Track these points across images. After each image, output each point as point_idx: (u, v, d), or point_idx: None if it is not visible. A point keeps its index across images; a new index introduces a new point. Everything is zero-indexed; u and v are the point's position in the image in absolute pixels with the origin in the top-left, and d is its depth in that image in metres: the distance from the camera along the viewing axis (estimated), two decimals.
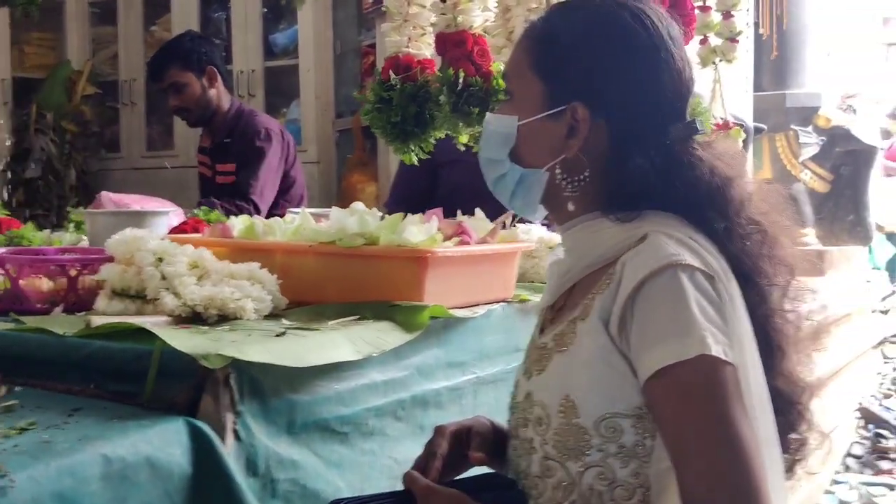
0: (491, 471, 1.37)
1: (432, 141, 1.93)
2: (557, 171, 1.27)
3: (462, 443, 1.35)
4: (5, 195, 5.79)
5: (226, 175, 3.82)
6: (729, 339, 1.13)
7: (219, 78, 3.77)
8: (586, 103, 1.24)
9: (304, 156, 4.30)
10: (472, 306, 1.88)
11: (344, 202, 5.01)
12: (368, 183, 5.00)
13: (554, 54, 1.27)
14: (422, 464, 1.33)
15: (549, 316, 1.32)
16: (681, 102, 1.29)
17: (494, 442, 1.36)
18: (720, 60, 2.71)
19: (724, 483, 1.08)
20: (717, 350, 1.11)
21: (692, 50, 2.68)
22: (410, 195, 3.28)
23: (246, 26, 5.60)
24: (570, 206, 1.28)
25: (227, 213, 3.32)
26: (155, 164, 5.93)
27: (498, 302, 1.96)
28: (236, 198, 3.55)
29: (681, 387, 1.12)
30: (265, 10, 5.66)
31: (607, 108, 1.25)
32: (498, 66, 1.88)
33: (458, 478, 1.34)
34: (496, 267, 1.96)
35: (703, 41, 2.69)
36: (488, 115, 1.37)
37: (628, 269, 1.17)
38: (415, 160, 1.97)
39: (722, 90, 2.69)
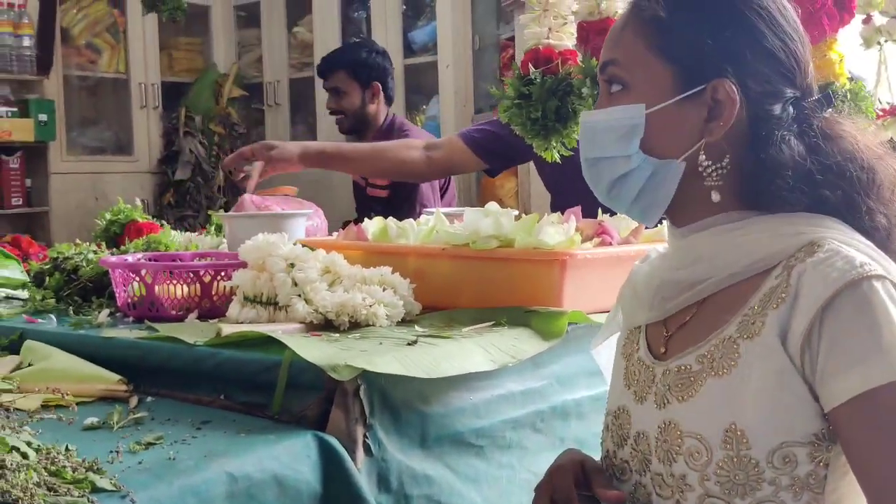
0: None
1: (575, 136, 1.83)
2: (702, 157, 1.13)
3: (578, 482, 1.21)
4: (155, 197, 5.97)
5: (376, 188, 3.80)
6: None
7: (381, 95, 3.78)
8: (730, 79, 1.11)
9: None
10: None
11: (483, 198, 4.96)
12: (508, 178, 4.92)
13: (679, 31, 1.14)
14: None
15: (665, 333, 1.19)
16: (810, 76, 1.16)
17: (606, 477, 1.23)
18: (885, 41, 2.50)
19: None
20: None
21: (854, 30, 2.49)
22: (492, 143, 3.02)
23: (386, 24, 5.60)
24: (716, 197, 1.14)
25: None
26: None
27: None
28: (393, 212, 3.53)
29: (887, 412, 1.00)
30: (405, 7, 5.65)
31: (747, 81, 1.12)
32: None
33: None
34: None
35: (867, 20, 2.48)
36: (594, 113, 1.21)
37: (811, 282, 1.04)
38: (556, 157, 1.87)
39: (888, 73, 2.48)
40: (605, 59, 1.21)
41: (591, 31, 1.75)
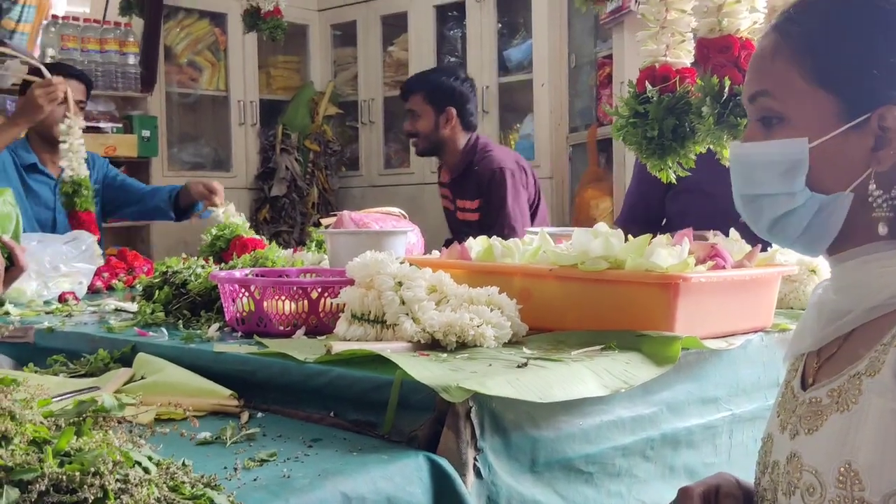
0: None
1: (692, 157, 1.77)
2: (872, 186, 1.07)
3: None
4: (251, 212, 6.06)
5: (466, 212, 3.85)
6: None
7: (455, 120, 3.82)
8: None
9: (537, 171, 4.26)
10: (727, 336, 1.73)
11: (577, 218, 4.92)
12: (603, 198, 4.87)
13: (839, 58, 1.08)
14: None
15: (816, 363, 1.15)
16: None
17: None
18: None
19: None
20: None
21: None
22: (638, 214, 3.10)
23: (481, 42, 5.61)
24: (883, 230, 1.08)
25: None
26: (392, 182, 6.05)
27: (756, 331, 1.79)
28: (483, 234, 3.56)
29: None
30: (500, 25, 5.65)
31: None
32: None
33: None
34: (754, 293, 1.79)
35: None
36: (748, 146, 1.16)
37: None
38: (672, 178, 1.82)
39: None
40: (754, 89, 1.15)
41: (712, 48, 1.70)
